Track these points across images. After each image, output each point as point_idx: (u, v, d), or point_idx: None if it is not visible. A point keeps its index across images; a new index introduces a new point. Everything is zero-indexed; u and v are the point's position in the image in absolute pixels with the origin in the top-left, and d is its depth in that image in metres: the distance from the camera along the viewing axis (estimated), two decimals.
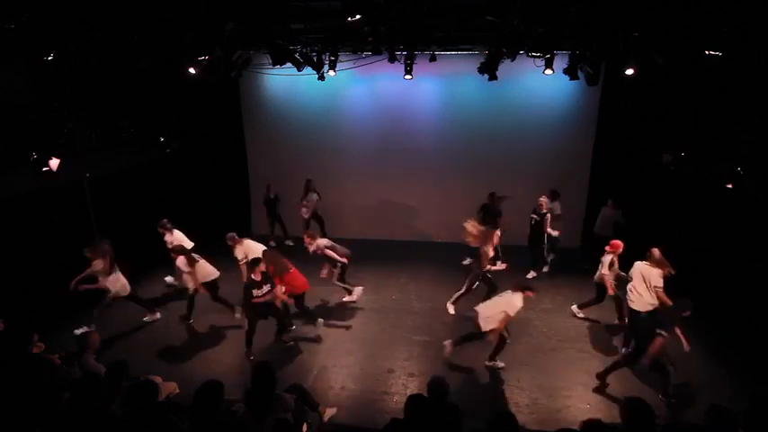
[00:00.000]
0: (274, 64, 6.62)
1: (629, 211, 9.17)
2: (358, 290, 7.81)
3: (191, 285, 6.90)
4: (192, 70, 6.73)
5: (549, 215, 8.48)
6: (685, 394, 5.45)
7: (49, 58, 6.03)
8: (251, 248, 7.54)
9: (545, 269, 9.10)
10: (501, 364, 6.08)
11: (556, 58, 7.30)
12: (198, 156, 10.66)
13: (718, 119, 7.53)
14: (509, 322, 5.79)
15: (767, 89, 6.42)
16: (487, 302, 6.07)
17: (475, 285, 7.36)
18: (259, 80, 10.19)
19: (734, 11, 4.80)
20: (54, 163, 6.44)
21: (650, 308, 5.96)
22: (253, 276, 5.98)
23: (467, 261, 9.47)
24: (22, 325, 5.15)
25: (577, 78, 7.20)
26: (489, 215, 9.11)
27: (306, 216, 10.18)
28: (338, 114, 10.56)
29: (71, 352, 4.60)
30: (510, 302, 5.70)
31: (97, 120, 8.41)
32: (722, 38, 5.17)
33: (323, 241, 7.54)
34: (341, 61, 8.73)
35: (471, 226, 7.35)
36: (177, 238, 7.78)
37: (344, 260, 7.46)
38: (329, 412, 5.02)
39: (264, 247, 7.58)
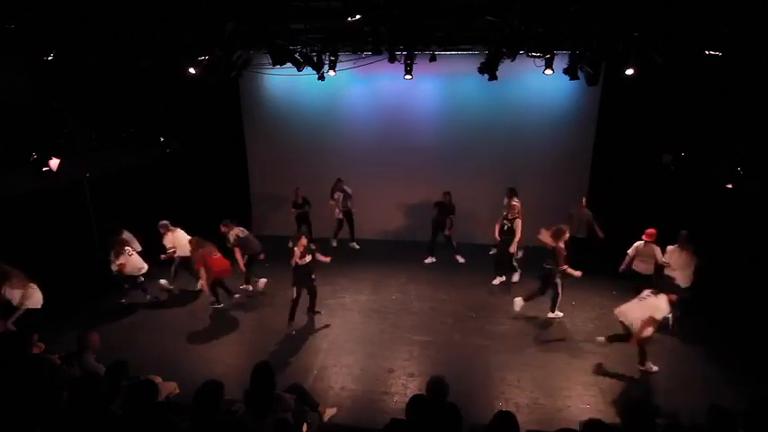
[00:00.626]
0: (274, 64, 6.62)
1: (631, 211, 9.22)
2: (262, 281, 8.20)
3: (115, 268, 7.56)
4: (192, 70, 6.74)
5: (520, 220, 8.05)
6: (685, 394, 5.44)
7: (49, 58, 6.03)
8: (179, 239, 7.96)
9: (515, 278, 8.56)
10: (655, 368, 5.96)
11: (556, 58, 7.30)
12: (198, 156, 10.66)
13: (718, 119, 7.53)
14: (653, 325, 5.70)
15: (767, 89, 6.42)
16: (631, 306, 5.90)
17: (559, 285, 7.20)
18: (259, 80, 10.19)
19: (734, 11, 4.79)
20: (54, 163, 6.44)
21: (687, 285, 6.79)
22: (296, 249, 6.77)
23: (429, 260, 9.64)
24: (22, 325, 5.16)
25: (577, 78, 7.19)
26: (443, 212, 9.27)
27: (338, 216, 10.18)
28: (338, 114, 10.56)
29: (71, 352, 4.60)
30: (657, 307, 5.65)
31: (97, 120, 8.42)
32: (722, 38, 5.17)
33: (237, 230, 7.85)
34: (341, 61, 8.73)
35: (544, 232, 7.22)
36: (128, 236, 8.05)
37: (241, 265, 7.88)
38: (329, 412, 5.02)
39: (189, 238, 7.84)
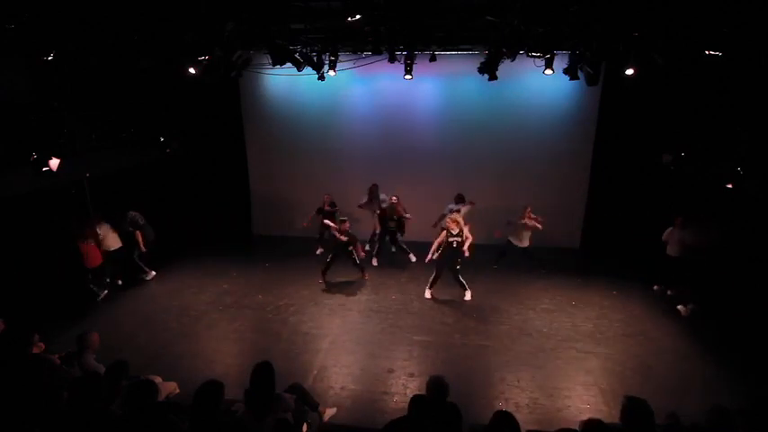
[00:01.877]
0: (274, 64, 6.62)
1: (631, 211, 9.26)
2: (152, 273, 8.83)
3: None
4: (192, 70, 6.73)
5: (466, 228, 7.76)
6: (685, 394, 5.45)
7: (49, 58, 6.02)
8: (106, 231, 8.18)
9: (467, 296, 8.02)
10: None
11: (556, 58, 7.29)
12: (198, 156, 10.66)
13: (718, 119, 7.53)
14: None
15: (767, 89, 6.41)
16: None
17: None
18: (259, 80, 10.19)
19: (734, 11, 4.79)
20: (54, 163, 6.42)
21: None
22: (341, 227, 8.34)
23: (408, 258, 9.58)
24: (22, 325, 5.15)
25: (577, 78, 7.19)
26: (392, 218, 9.30)
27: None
28: (338, 114, 10.56)
29: (71, 352, 4.60)
30: None
31: (97, 120, 8.40)
32: (722, 38, 5.17)
33: (135, 215, 8.48)
34: (341, 61, 8.73)
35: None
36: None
37: (142, 246, 8.50)
38: (329, 412, 5.02)
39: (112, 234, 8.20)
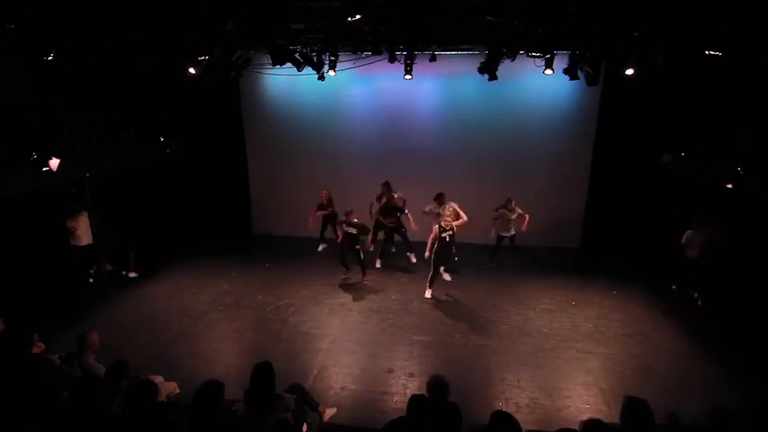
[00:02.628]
0: (274, 64, 6.62)
1: (631, 211, 9.26)
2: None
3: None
4: (192, 70, 6.73)
5: (458, 221, 7.84)
6: (685, 394, 5.45)
7: (49, 58, 6.02)
8: (83, 223, 8.26)
9: (427, 294, 8.14)
10: None
11: (556, 58, 7.29)
12: (198, 156, 10.66)
13: (718, 119, 7.53)
14: None
15: (767, 89, 6.41)
16: None
17: None
18: (259, 80, 10.19)
19: (734, 11, 4.79)
20: (54, 163, 6.42)
21: None
22: (347, 218, 8.31)
23: (378, 264, 9.49)
24: (22, 325, 5.16)
25: (577, 78, 7.19)
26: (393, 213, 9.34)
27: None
28: (338, 114, 10.56)
29: (71, 352, 4.59)
30: None
31: (97, 120, 8.41)
32: (722, 38, 5.17)
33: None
34: (341, 61, 8.73)
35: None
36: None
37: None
38: (329, 412, 5.02)
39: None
